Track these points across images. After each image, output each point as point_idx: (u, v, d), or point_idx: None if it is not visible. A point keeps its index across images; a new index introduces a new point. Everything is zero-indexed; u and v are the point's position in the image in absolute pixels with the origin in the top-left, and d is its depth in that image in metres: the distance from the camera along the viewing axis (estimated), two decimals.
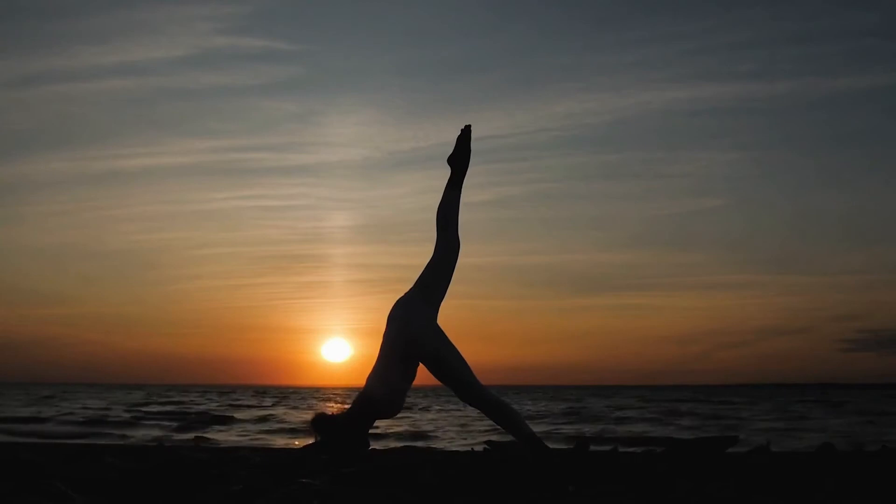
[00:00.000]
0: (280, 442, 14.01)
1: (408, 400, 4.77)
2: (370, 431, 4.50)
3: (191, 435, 14.62)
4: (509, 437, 4.59)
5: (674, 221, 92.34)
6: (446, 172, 4.64)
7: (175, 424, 18.65)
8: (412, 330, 4.37)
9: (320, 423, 4.34)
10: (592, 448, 4.77)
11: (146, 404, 29.82)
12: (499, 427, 4.63)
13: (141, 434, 15.60)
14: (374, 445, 5.38)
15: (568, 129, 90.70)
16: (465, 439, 14.24)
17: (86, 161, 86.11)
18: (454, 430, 17.02)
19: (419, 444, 12.67)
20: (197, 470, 4.39)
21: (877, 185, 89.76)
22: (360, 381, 4.46)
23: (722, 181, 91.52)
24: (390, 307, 4.50)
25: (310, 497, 3.50)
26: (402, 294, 4.53)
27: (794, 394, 56.67)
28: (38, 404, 28.07)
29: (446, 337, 4.48)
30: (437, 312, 4.51)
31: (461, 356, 4.47)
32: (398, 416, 4.65)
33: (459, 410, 23.82)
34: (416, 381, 4.60)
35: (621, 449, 5.99)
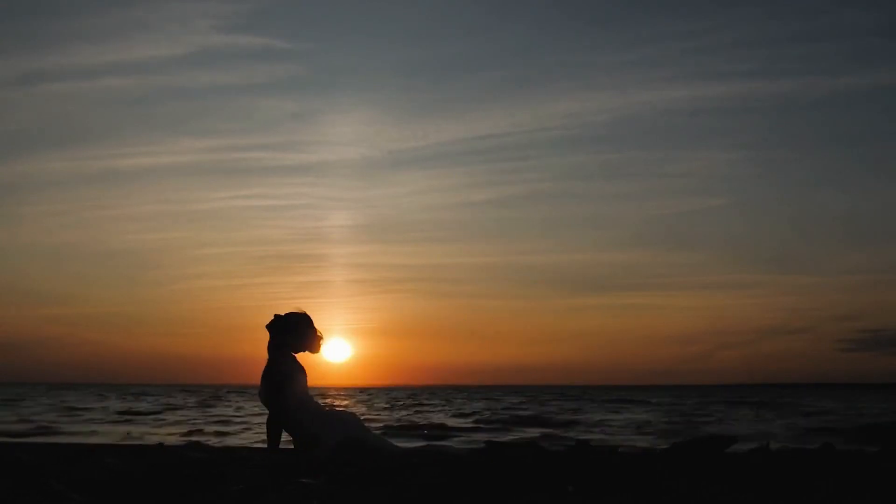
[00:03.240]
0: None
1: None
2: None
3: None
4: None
5: (674, 221, 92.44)
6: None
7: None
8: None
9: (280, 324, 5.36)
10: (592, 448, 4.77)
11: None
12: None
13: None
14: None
15: (568, 129, 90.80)
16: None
17: (86, 161, 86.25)
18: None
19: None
20: (197, 470, 4.39)
21: (877, 185, 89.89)
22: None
23: (722, 181, 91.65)
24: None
25: (310, 497, 3.50)
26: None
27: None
28: None
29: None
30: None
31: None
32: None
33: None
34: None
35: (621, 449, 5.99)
